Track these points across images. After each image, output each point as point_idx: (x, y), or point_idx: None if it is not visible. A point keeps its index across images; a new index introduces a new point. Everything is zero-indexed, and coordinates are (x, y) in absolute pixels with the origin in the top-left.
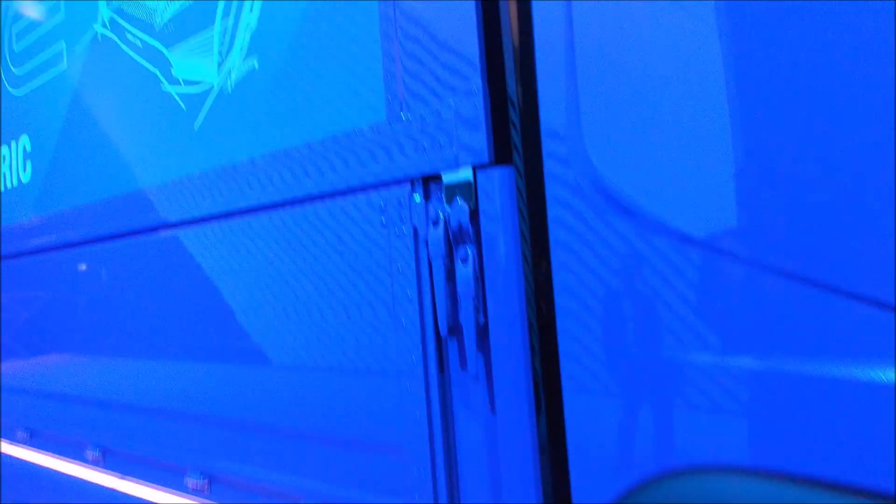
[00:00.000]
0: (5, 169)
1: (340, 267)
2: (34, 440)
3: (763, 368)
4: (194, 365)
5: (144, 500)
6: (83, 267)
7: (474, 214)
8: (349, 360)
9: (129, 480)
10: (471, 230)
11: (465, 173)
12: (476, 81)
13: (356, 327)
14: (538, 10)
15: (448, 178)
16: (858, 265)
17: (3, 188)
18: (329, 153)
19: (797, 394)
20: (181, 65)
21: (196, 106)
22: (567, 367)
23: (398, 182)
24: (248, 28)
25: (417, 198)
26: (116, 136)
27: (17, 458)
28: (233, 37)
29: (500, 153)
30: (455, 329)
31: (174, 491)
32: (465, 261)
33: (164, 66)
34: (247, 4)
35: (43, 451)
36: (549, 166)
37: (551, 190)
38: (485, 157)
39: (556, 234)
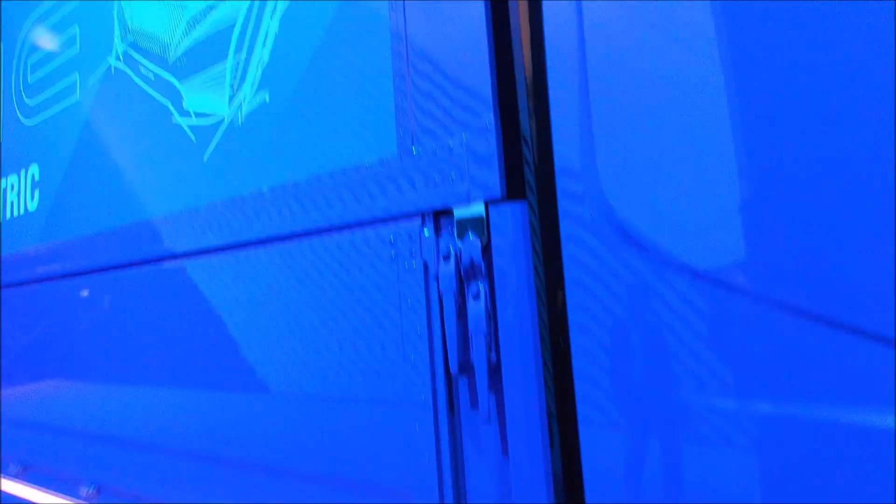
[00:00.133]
0: (13, 197)
1: (348, 301)
2: (29, 475)
3: (778, 413)
4: (197, 398)
5: None
6: (86, 296)
7: (486, 250)
8: (355, 398)
9: None
10: (483, 266)
11: (478, 208)
12: (488, 117)
13: (363, 364)
14: (551, 46)
15: (459, 212)
16: (875, 303)
17: (9, 216)
18: (338, 186)
19: (807, 437)
20: (192, 97)
21: (206, 138)
22: (584, 410)
23: (408, 216)
24: (260, 62)
25: (428, 232)
26: (125, 167)
27: (10, 494)
28: (245, 71)
29: (513, 188)
30: (466, 367)
31: None
32: (476, 297)
33: (176, 98)
34: (260, 40)
35: (37, 487)
36: (564, 204)
37: (566, 228)
38: (497, 192)
39: (571, 272)
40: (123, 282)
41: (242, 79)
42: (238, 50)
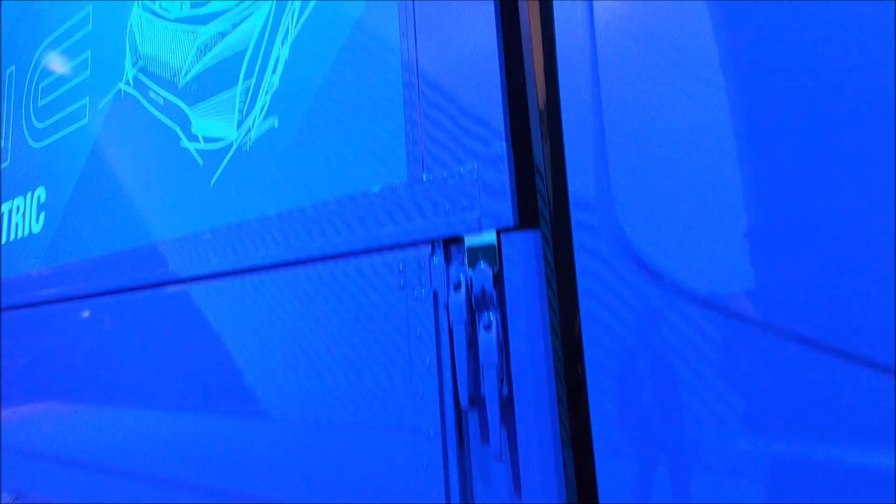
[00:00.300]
0: (17, 219)
1: (355, 330)
2: None
3: (795, 451)
4: (201, 426)
5: None
6: (89, 321)
7: (498, 279)
8: (361, 430)
9: None
10: (494, 295)
11: (489, 236)
12: (500, 146)
13: (370, 395)
14: (564, 74)
15: (471, 240)
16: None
17: (13, 238)
18: (346, 212)
19: (823, 475)
20: (201, 122)
21: (214, 162)
22: (601, 447)
23: (418, 243)
24: (269, 88)
25: (438, 260)
26: (131, 191)
27: None
28: (254, 96)
29: (526, 217)
30: (477, 401)
31: None
32: (488, 328)
33: (184, 122)
34: (270, 66)
35: None
36: (579, 237)
37: (581, 261)
38: (510, 220)
39: (586, 305)
40: (127, 306)
41: (252, 104)
42: (248, 76)
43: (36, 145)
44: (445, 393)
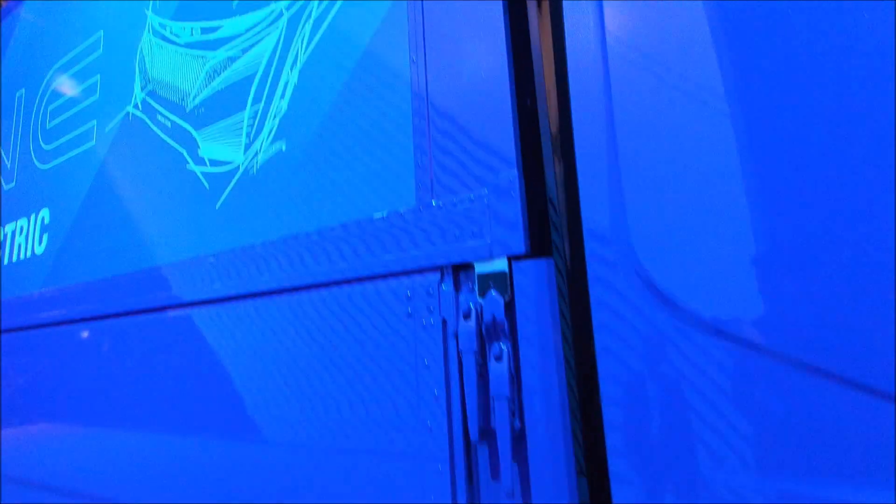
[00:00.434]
0: (20, 240)
1: (360, 358)
2: None
3: (810, 488)
4: (203, 452)
5: None
6: (90, 344)
7: (509, 307)
8: (365, 464)
9: None
10: (506, 324)
11: (500, 264)
12: (511, 173)
13: (375, 427)
14: (577, 100)
15: (481, 267)
16: None
17: (15, 259)
18: (352, 237)
19: None
20: (208, 145)
21: (220, 186)
22: (618, 487)
23: (426, 270)
24: (278, 113)
25: (447, 287)
26: (136, 213)
27: None
28: (262, 120)
29: (537, 244)
30: (487, 434)
31: None
32: (499, 358)
33: (191, 145)
34: (279, 91)
35: None
36: (594, 268)
37: (596, 293)
38: (521, 247)
39: (602, 340)
40: (129, 329)
41: (259, 128)
42: (256, 100)
43: (42, 167)
44: (454, 426)
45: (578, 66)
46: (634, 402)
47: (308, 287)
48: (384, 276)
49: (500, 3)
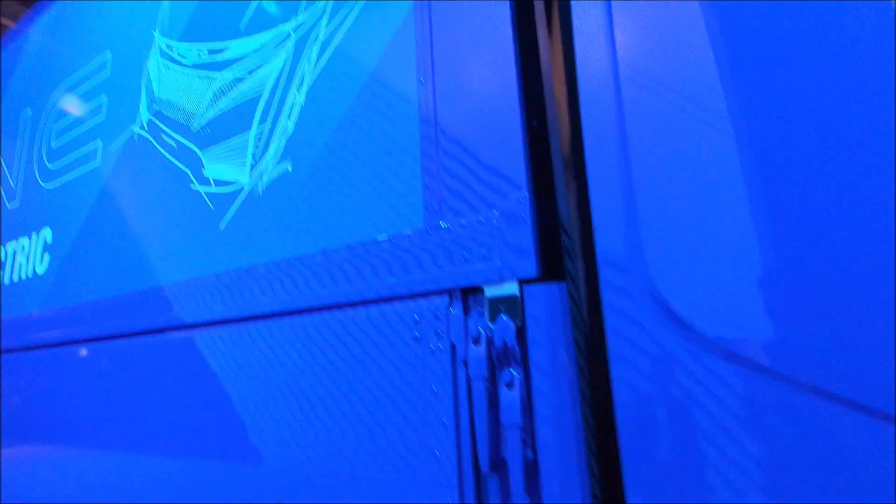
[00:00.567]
0: (21, 259)
1: (366, 384)
2: None
3: None
4: (204, 476)
5: None
6: (90, 365)
7: (521, 332)
8: (370, 494)
9: None
10: (517, 350)
11: (511, 287)
12: (522, 193)
13: (381, 456)
14: (588, 123)
15: (491, 291)
16: None
17: (16, 279)
18: (357, 259)
19: None
20: (213, 165)
21: (224, 206)
22: None
23: (434, 293)
24: (284, 133)
25: (456, 311)
26: (139, 233)
27: None
28: (268, 141)
29: (549, 268)
30: (498, 464)
31: None
32: (510, 385)
33: (196, 165)
34: (285, 111)
35: None
36: (610, 297)
37: (612, 323)
38: (532, 270)
39: (619, 371)
40: (130, 351)
41: (265, 148)
42: (263, 120)
43: (46, 186)
44: (464, 455)
45: (589, 86)
46: (653, 434)
47: (312, 310)
48: (390, 300)
49: (510, 23)
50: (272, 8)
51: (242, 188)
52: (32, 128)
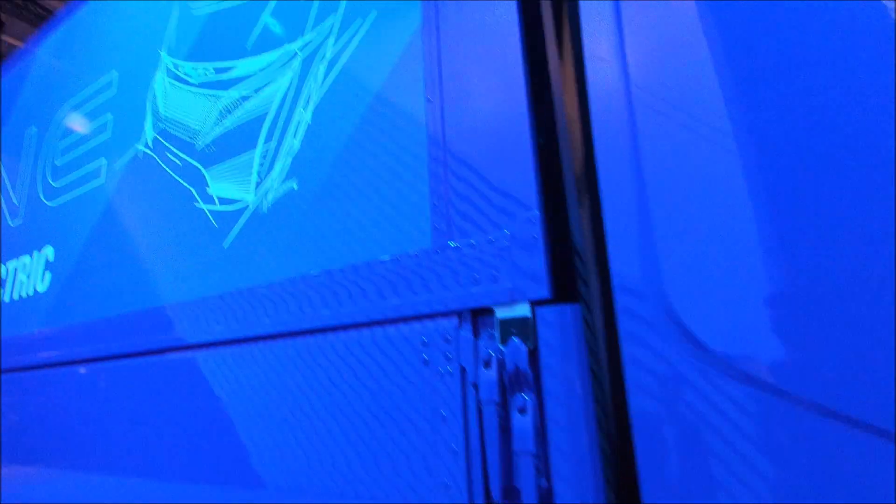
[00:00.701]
0: (22, 277)
1: (371, 408)
2: None
3: None
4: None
5: None
6: (90, 386)
7: (533, 356)
8: None
9: None
10: (530, 374)
11: (522, 309)
12: (533, 213)
13: (386, 484)
14: (600, 145)
15: (502, 312)
16: None
17: (16, 297)
18: (363, 279)
19: None
20: (217, 184)
21: (228, 224)
22: None
23: (443, 315)
24: (290, 151)
25: (465, 333)
26: (142, 252)
27: None
28: (273, 159)
29: (562, 290)
30: (511, 494)
31: None
32: (523, 410)
33: (200, 184)
34: (291, 129)
35: None
36: (626, 324)
37: (629, 351)
38: (545, 291)
39: (638, 403)
40: (132, 372)
41: (270, 167)
42: (268, 139)
43: (49, 203)
44: (475, 483)
45: (601, 107)
46: (674, 465)
47: (316, 331)
48: (397, 321)
49: (519, 41)
50: (279, 27)
51: (247, 206)
52: (37, 145)
